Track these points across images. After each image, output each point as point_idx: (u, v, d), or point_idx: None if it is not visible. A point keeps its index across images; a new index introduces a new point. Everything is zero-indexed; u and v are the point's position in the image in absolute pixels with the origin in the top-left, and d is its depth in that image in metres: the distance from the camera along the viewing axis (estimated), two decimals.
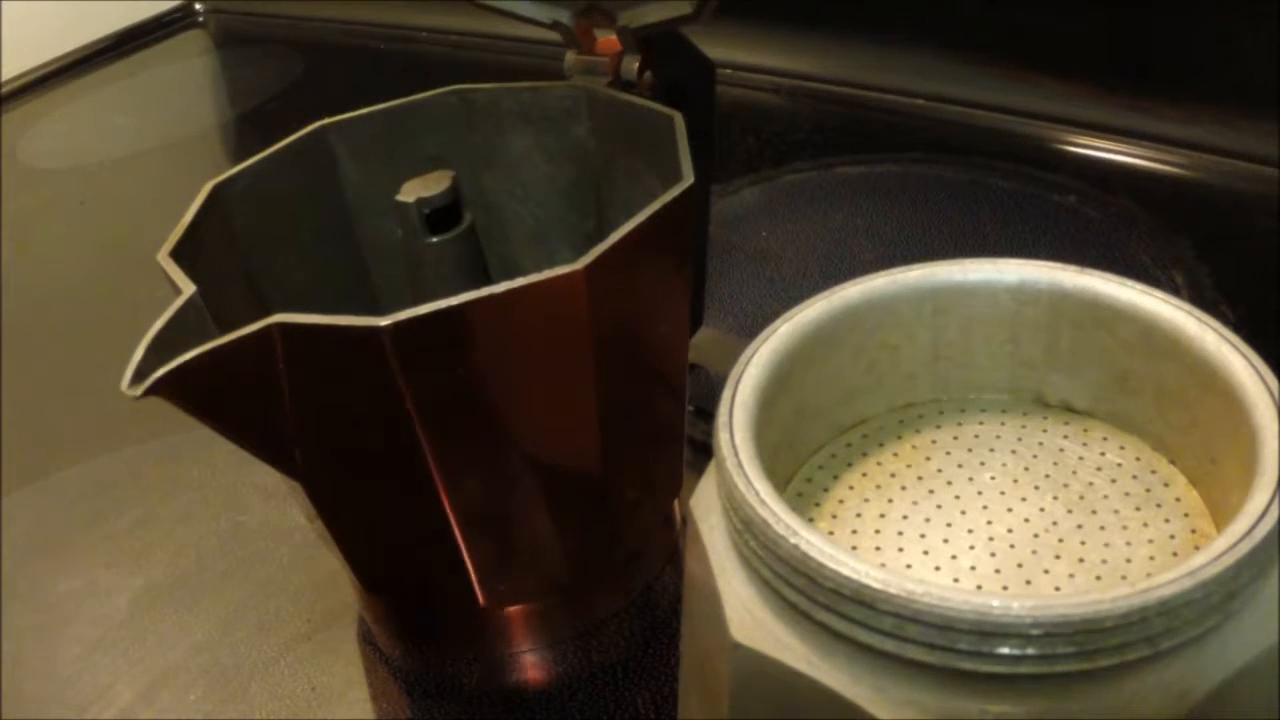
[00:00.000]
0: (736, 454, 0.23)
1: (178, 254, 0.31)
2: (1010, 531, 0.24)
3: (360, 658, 0.38)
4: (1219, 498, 0.24)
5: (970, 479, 0.25)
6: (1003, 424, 0.27)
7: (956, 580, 0.23)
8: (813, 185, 0.59)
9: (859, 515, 0.25)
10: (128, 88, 0.87)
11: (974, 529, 0.24)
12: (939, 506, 0.25)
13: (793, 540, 0.21)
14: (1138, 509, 0.24)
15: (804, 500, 0.26)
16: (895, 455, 0.27)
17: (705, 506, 0.24)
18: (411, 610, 0.37)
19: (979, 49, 0.63)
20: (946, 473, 0.26)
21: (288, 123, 0.38)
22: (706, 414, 0.26)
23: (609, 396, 0.31)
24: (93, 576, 0.43)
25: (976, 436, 0.27)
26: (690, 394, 0.37)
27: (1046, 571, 0.23)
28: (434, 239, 0.35)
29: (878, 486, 0.26)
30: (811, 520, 0.25)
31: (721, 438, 0.23)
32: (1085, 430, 0.26)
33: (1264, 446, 0.21)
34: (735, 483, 0.22)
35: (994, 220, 0.54)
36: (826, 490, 0.26)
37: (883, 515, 0.25)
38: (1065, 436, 0.26)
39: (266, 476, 0.39)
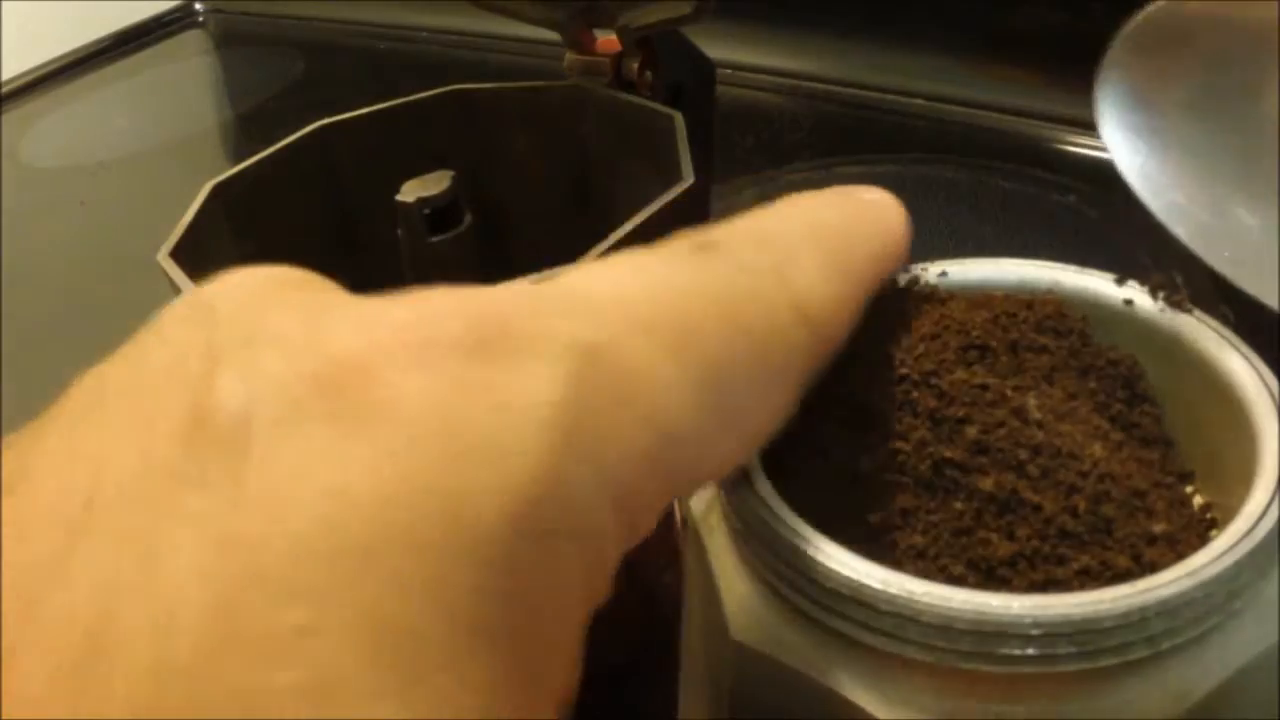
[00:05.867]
0: None
1: (178, 254, 0.31)
2: None
3: None
4: (1219, 498, 0.23)
5: None
6: None
7: None
8: (813, 185, 0.58)
9: None
10: (128, 88, 0.87)
11: None
12: None
13: (793, 540, 0.21)
14: None
15: None
16: None
17: (705, 506, 0.24)
18: None
19: (979, 49, 0.63)
20: None
21: (288, 123, 0.38)
22: None
23: None
24: None
25: None
26: None
27: None
28: (434, 239, 0.35)
29: None
30: None
31: None
32: None
33: (1264, 446, 0.21)
34: (735, 483, 0.22)
35: (994, 220, 0.54)
36: None
37: None
38: None
39: None
